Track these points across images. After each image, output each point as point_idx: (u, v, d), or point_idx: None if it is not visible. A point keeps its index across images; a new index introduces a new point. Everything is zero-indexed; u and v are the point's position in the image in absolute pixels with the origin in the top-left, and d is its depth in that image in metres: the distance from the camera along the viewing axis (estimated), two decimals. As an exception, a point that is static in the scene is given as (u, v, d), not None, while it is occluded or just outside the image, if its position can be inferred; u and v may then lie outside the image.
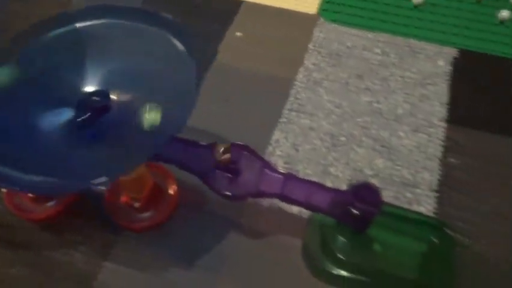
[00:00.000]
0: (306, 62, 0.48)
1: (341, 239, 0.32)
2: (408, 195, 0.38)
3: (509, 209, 0.37)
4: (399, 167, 0.40)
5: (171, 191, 0.37)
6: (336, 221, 0.31)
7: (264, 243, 0.36)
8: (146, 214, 0.36)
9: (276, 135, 0.42)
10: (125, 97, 0.29)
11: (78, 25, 0.30)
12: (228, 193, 0.30)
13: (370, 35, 0.51)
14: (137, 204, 0.36)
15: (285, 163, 0.40)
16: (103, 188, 0.25)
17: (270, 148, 0.41)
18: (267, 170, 0.30)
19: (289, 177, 0.30)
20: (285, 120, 0.43)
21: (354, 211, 0.28)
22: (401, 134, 0.42)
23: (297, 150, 0.41)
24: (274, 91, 0.46)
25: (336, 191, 0.30)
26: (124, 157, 0.27)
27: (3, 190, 0.37)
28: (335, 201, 0.29)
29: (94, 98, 0.29)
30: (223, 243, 0.36)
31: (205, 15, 0.53)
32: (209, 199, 0.38)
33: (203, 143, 0.32)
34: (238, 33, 0.51)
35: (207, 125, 0.42)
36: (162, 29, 0.30)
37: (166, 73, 0.29)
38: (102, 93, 0.29)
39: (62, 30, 0.30)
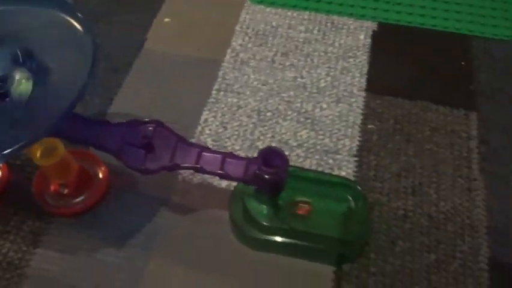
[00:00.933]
0: (233, 43, 0.50)
1: (261, 205, 0.33)
2: (330, 161, 0.40)
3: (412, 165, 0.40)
4: (321, 137, 0.42)
5: (101, 175, 0.38)
6: (254, 188, 0.33)
7: (194, 218, 0.37)
8: (77, 199, 0.37)
9: (205, 115, 0.44)
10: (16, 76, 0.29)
11: None
12: (140, 167, 0.31)
13: (295, 14, 0.53)
14: (66, 191, 0.36)
15: (214, 141, 0.42)
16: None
17: (199, 128, 0.43)
18: (181, 144, 0.32)
19: (203, 150, 0.32)
20: (213, 100, 0.45)
21: (264, 175, 0.30)
22: (324, 105, 0.44)
23: (225, 128, 0.43)
24: (203, 73, 0.47)
25: (248, 159, 0.32)
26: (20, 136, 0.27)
27: None
28: (247, 169, 0.31)
29: None
30: (155, 221, 0.37)
31: (133, 3, 0.53)
32: (140, 180, 0.39)
33: (115, 121, 0.32)
34: (166, 19, 0.52)
35: (138, 110, 0.43)
36: (53, 8, 0.30)
37: (59, 52, 0.29)
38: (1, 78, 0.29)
39: None
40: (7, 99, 0.29)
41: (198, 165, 0.31)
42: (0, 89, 0.28)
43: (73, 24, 0.30)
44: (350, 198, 0.34)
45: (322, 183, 0.36)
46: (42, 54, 0.30)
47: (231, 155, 0.32)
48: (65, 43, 0.30)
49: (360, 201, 0.34)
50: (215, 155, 0.31)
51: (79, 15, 0.31)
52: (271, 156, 0.30)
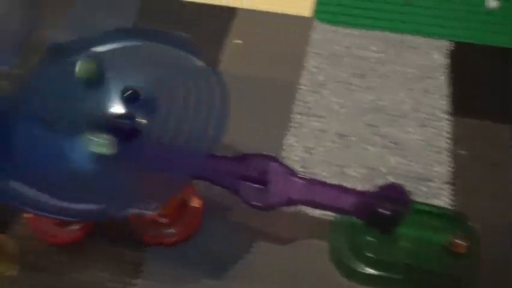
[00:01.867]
0: (307, 64, 0.49)
1: (369, 237, 0.33)
2: (424, 189, 0.40)
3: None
4: (411, 163, 0.41)
5: (195, 204, 0.37)
6: (362, 221, 0.32)
7: (291, 248, 0.37)
8: (174, 228, 0.37)
9: (289, 139, 0.43)
10: (153, 118, 0.29)
11: (97, 49, 0.31)
12: (258, 204, 0.30)
13: (365, 33, 0.52)
14: (163, 220, 0.36)
15: (302, 167, 0.41)
16: (149, 212, 0.25)
17: (284, 153, 0.42)
18: (293, 178, 0.31)
19: (316, 183, 0.31)
20: (295, 124, 0.44)
21: (383, 211, 0.29)
22: (409, 129, 0.44)
23: (310, 153, 0.42)
24: (280, 96, 0.47)
25: (362, 193, 0.31)
26: (165, 179, 0.27)
27: (28, 215, 0.37)
28: (362, 203, 0.30)
29: (121, 120, 0.29)
30: (252, 251, 0.37)
31: (201, 26, 0.53)
32: (233, 209, 0.38)
33: (229, 156, 0.32)
34: (237, 41, 0.52)
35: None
36: (180, 48, 0.30)
37: (193, 92, 0.29)
38: (128, 116, 0.29)
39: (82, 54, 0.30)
40: (136, 139, 0.29)
41: (313, 199, 0.31)
42: (127, 126, 0.28)
43: (201, 65, 0.30)
44: (459, 231, 0.34)
45: (424, 213, 0.35)
46: (170, 92, 0.29)
47: (345, 188, 0.31)
48: (196, 83, 0.30)
49: (470, 235, 0.33)
50: (329, 188, 0.31)
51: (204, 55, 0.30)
52: (391, 192, 0.30)
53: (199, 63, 0.30)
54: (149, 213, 0.25)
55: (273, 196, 0.31)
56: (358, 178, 0.41)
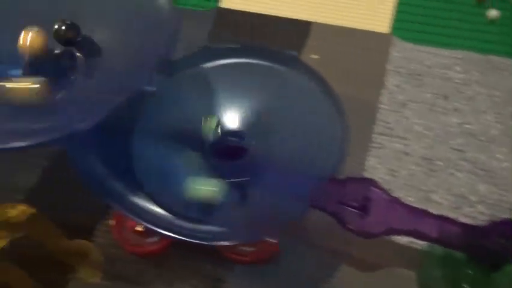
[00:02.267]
0: (387, 83, 0.48)
1: (468, 270, 0.31)
2: (519, 221, 0.37)
3: None
4: (504, 192, 0.39)
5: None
6: (466, 254, 0.30)
7: (375, 274, 0.35)
8: (254, 247, 0.36)
9: (371, 161, 0.42)
10: (264, 140, 0.28)
11: (208, 65, 0.30)
12: (360, 231, 0.29)
13: (446, 52, 0.50)
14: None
15: (385, 190, 0.40)
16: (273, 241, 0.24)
17: (367, 175, 0.41)
18: (395, 205, 0.30)
19: (419, 212, 0.30)
20: (376, 145, 0.43)
21: (494, 248, 0.27)
22: (500, 156, 0.41)
23: (393, 176, 0.41)
24: (360, 115, 0.45)
25: (471, 226, 0.29)
26: (282, 207, 0.26)
27: (112, 223, 0.37)
28: (469, 237, 0.29)
29: (230, 138, 0.29)
30: (333, 274, 0.35)
31: (276, 40, 0.53)
32: (314, 229, 0.37)
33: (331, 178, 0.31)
34: (314, 56, 0.51)
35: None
36: (294, 69, 0.30)
37: (306, 116, 0.28)
38: (238, 134, 0.28)
39: (202, 66, 0.30)
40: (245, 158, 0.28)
41: (416, 230, 0.29)
42: (236, 143, 0.28)
43: (313, 87, 0.29)
44: None
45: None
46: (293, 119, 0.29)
47: (450, 220, 0.29)
48: (309, 106, 0.29)
49: None
50: (433, 218, 0.29)
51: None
52: (504, 228, 0.28)
53: (314, 85, 0.29)
54: (274, 241, 0.24)
55: (373, 224, 0.29)
56: (445, 205, 0.39)
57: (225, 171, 0.28)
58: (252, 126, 0.29)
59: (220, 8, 0.56)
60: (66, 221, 0.36)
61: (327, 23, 0.54)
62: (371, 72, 0.49)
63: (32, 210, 0.28)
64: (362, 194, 0.30)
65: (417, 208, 0.30)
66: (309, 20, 0.54)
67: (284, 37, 0.53)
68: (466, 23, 0.52)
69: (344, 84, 0.48)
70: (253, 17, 0.55)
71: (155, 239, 0.36)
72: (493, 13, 0.51)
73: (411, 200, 0.39)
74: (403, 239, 0.36)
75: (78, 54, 0.25)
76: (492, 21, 0.52)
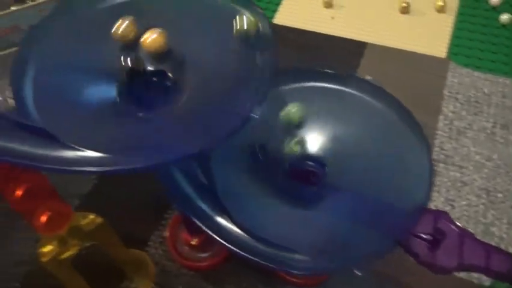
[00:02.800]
0: (444, 109, 0.47)
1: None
2: None
3: None
4: None
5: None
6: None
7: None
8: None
9: (427, 188, 0.41)
10: (341, 169, 0.28)
11: (286, 88, 0.30)
12: (436, 263, 0.28)
13: (507, 81, 0.49)
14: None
15: (442, 220, 0.39)
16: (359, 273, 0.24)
17: (423, 203, 0.40)
18: (467, 240, 0.29)
19: (491, 248, 0.29)
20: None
21: None
22: None
23: (452, 206, 0.40)
24: (416, 140, 0.45)
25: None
26: (369, 239, 0.25)
27: (167, 234, 0.37)
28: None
29: (308, 162, 0.28)
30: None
31: (327, 58, 0.53)
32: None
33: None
34: (368, 77, 0.50)
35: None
36: (377, 97, 0.29)
37: (387, 148, 0.28)
38: (317, 160, 0.28)
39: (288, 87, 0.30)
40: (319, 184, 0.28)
41: (487, 266, 0.28)
42: (309, 167, 0.27)
43: (395, 119, 0.29)
44: None
45: None
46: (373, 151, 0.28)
47: (526, 260, 0.28)
48: (391, 139, 0.29)
49: None
50: (504, 255, 0.28)
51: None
52: None
53: (396, 114, 0.29)
54: (359, 274, 0.23)
55: (444, 258, 0.28)
56: (505, 239, 0.38)
57: (297, 195, 0.28)
58: (331, 153, 0.28)
59: (274, 24, 0.57)
60: (122, 230, 0.36)
61: (382, 44, 0.53)
62: (427, 97, 0.48)
63: (101, 220, 0.28)
64: (433, 225, 0.29)
65: (488, 244, 0.29)
66: (364, 40, 0.54)
67: (337, 56, 0.53)
68: (526, 52, 0.51)
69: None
70: (306, 34, 0.55)
71: (208, 253, 0.36)
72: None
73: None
74: (462, 274, 0.35)
75: (170, 74, 0.26)
76: (554, 51, 0.50)
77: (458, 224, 0.29)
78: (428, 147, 0.28)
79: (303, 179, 0.28)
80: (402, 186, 0.27)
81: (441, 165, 0.42)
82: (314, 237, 0.26)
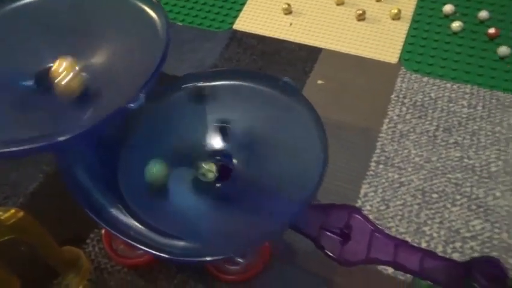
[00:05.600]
0: (390, 113, 0.48)
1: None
2: (511, 261, 0.36)
3: None
4: (498, 230, 0.38)
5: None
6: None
7: (359, 304, 0.35)
8: (239, 266, 0.36)
9: (364, 188, 0.42)
10: (248, 161, 0.29)
11: (202, 84, 0.31)
12: (338, 258, 0.29)
13: (454, 86, 0.50)
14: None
15: (376, 219, 0.40)
16: (241, 260, 0.24)
17: (360, 202, 0.41)
18: (377, 235, 0.30)
19: (401, 244, 0.29)
20: (372, 173, 0.43)
21: (476, 286, 0.27)
22: (497, 193, 0.41)
23: (387, 206, 0.41)
24: (360, 142, 0.46)
25: (452, 261, 0.29)
26: (257, 226, 0.26)
27: (103, 232, 0.38)
28: (450, 273, 0.28)
29: (217, 157, 0.29)
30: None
31: (284, 63, 0.54)
32: (300, 253, 0.37)
33: (317, 203, 0.31)
34: (319, 81, 0.52)
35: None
36: (285, 94, 0.30)
37: (291, 140, 0.29)
38: (224, 154, 0.29)
39: (183, 91, 0.31)
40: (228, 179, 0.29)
41: (396, 261, 0.29)
42: (219, 161, 0.28)
43: (302, 114, 0.30)
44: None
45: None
46: (269, 136, 0.29)
47: (432, 254, 0.29)
48: (295, 131, 0.30)
49: None
50: (415, 251, 0.29)
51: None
52: (486, 266, 0.27)
53: (300, 108, 0.30)
54: (241, 260, 0.24)
55: (353, 252, 0.29)
56: (435, 238, 0.38)
57: (211, 190, 0.29)
58: (240, 147, 0.29)
59: (234, 30, 0.58)
60: (60, 227, 0.37)
61: (337, 49, 0.54)
62: (375, 101, 0.49)
63: (22, 214, 0.29)
64: (345, 221, 0.30)
65: (399, 239, 0.30)
66: (319, 46, 0.55)
67: (293, 61, 0.54)
68: (476, 59, 0.52)
69: (346, 111, 0.49)
70: (265, 40, 0.56)
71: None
72: (504, 50, 0.51)
73: (401, 230, 0.39)
74: (389, 270, 0.36)
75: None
76: (502, 58, 0.51)
77: (370, 219, 0.30)
78: (326, 142, 0.28)
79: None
80: (296, 175, 0.28)
81: (381, 166, 0.43)
82: (208, 226, 0.27)
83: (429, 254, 0.29)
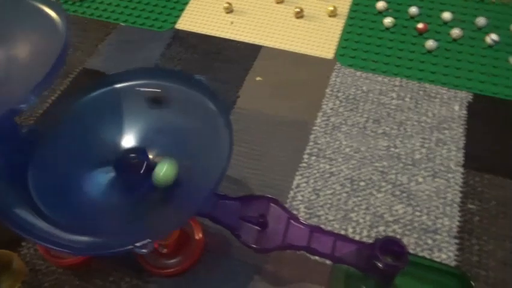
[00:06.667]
0: (324, 106, 0.50)
1: (365, 287, 0.32)
2: (429, 241, 0.39)
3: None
4: (418, 213, 0.41)
5: (197, 237, 0.38)
6: (362, 272, 0.32)
7: (288, 289, 0.37)
8: (174, 260, 0.37)
9: (297, 180, 0.44)
10: (161, 155, 0.30)
11: (117, 86, 0.32)
12: (255, 246, 0.31)
13: (386, 79, 0.52)
14: (164, 250, 0.37)
15: (306, 208, 0.42)
16: (144, 250, 0.26)
17: (292, 193, 0.43)
18: (292, 223, 0.31)
19: (315, 230, 0.31)
20: (305, 165, 0.45)
21: (380, 264, 0.29)
22: (420, 179, 0.43)
23: (317, 195, 0.42)
24: (294, 135, 0.48)
25: (361, 243, 0.31)
26: (165, 217, 0.28)
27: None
28: (360, 254, 0.30)
29: (131, 155, 0.30)
30: (248, 289, 0.37)
31: (224, 61, 0.55)
32: (235, 245, 0.39)
33: (231, 195, 0.33)
34: (258, 78, 0.53)
35: (230, 170, 0.44)
36: (197, 91, 0.32)
37: (201, 133, 0.30)
38: (139, 150, 0.30)
39: (102, 91, 0.32)
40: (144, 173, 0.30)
41: (310, 246, 0.31)
42: (134, 159, 0.29)
43: (210, 107, 0.31)
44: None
45: (424, 267, 0.34)
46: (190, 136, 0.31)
47: (344, 238, 0.31)
48: (205, 125, 0.31)
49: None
50: (327, 236, 0.31)
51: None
52: (390, 246, 0.29)
53: (211, 105, 0.31)
54: (144, 251, 0.25)
55: (269, 240, 0.31)
56: (361, 224, 0.40)
57: (130, 184, 0.30)
58: (154, 143, 0.31)
59: (176, 29, 0.59)
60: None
61: (276, 47, 0.56)
62: (310, 95, 0.51)
63: None
64: (262, 210, 0.31)
65: (313, 226, 0.32)
66: (259, 43, 0.56)
67: (234, 59, 0.55)
68: (406, 52, 0.55)
69: (282, 106, 0.50)
70: (207, 39, 0.58)
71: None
72: (431, 44, 0.54)
73: (330, 218, 0.41)
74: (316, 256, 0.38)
75: None
76: (429, 52, 0.54)
77: (286, 208, 0.32)
78: (231, 132, 0.30)
79: (129, 170, 0.30)
80: (205, 168, 0.29)
81: (313, 158, 0.45)
82: (116, 220, 0.28)
83: (340, 237, 0.31)
